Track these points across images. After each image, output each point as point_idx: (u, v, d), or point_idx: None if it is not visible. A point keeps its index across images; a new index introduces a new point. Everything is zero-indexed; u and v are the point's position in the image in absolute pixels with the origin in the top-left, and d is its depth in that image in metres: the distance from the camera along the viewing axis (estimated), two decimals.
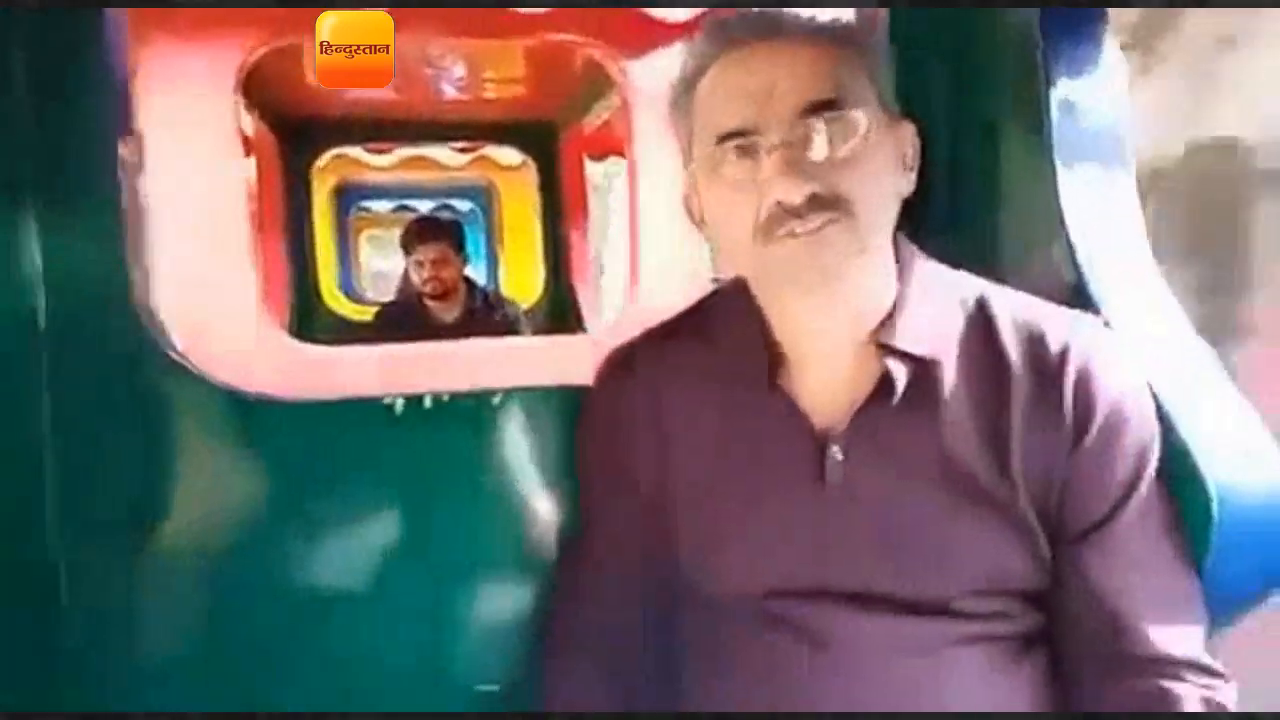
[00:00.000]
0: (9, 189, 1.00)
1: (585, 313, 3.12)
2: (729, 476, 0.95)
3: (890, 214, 0.89)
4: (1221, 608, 0.90)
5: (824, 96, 0.84)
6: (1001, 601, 0.88)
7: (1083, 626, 0.88)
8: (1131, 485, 0.87)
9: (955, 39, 1.16)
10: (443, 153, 4.04)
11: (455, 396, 1.12)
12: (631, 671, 1.02)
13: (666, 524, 0.98)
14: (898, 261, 0.93)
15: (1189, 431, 0.90)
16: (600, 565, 1.04)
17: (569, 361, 1.17)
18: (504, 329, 3.07)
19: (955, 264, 0.96)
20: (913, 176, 0.91)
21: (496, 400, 1.13)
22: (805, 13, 0.88)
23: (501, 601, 1.14)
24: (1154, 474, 0.88)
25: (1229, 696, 0.85)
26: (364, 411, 1.12)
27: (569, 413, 1.10)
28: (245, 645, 1.08)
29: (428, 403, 1.11)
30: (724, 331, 0.98)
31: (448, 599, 1.14)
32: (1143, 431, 0.88)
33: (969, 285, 0.94)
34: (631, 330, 1.09)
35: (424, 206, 6.26)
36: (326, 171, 4.06)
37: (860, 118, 0.84)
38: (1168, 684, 0.84)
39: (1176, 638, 0.86)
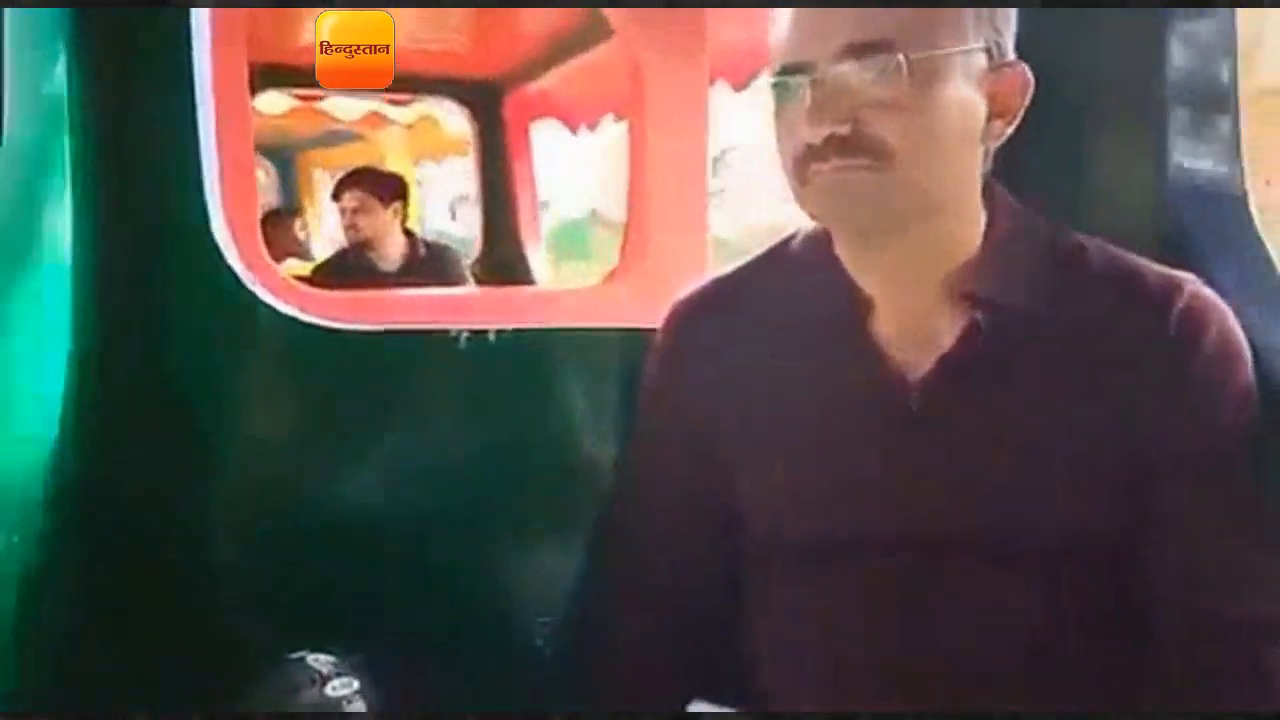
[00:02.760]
0: (80, 112, 0.98)
1: (535, 268, 3.13)
2: (805, 422, 0.94)
3: (960, 164, 0.87)
4: None
5: (872, 37, 0.81)
6: (1078, 560, 0.87)
7: (1169, 581, 0.86)
8: (1231, 438, 0.86)
9: None
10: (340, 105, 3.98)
11: (520, 331, 1.14)
12: (687, 617, 1.04)
13: (728, 473, 0.98)
14: (988, 208, 0.91)
15: None
16: (654, 510, 1.05)
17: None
18: (447, 279, 3.05)
19: (1050, 215, 0.95)
20: (1008, 126, 0.88)
21: (557, 338, 1.16)
22: None
23: (557, 537, 1.17)
24: (1251, 433, 0.86)
25: None
26: (427, 343, 1.13)
27: (632, 354, 1.13)
28: (304, 574, 1.09)
29: (492, 337, 1.13)
30: (804, 275, 0.97)
31: (503, 533, 1.16)
32: (1243, 387, 0.86)
33: (1064, 236, 0.93)
34: (631, 282, 1.11)
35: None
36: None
37: (918, 61, 0.81)
38: (1263, 648, 0.84)
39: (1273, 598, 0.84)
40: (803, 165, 0.85)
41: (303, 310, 1.07)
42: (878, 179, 0.83)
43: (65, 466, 0.97)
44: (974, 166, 0.89)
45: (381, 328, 1.12)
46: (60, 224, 0.98)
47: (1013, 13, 0.88)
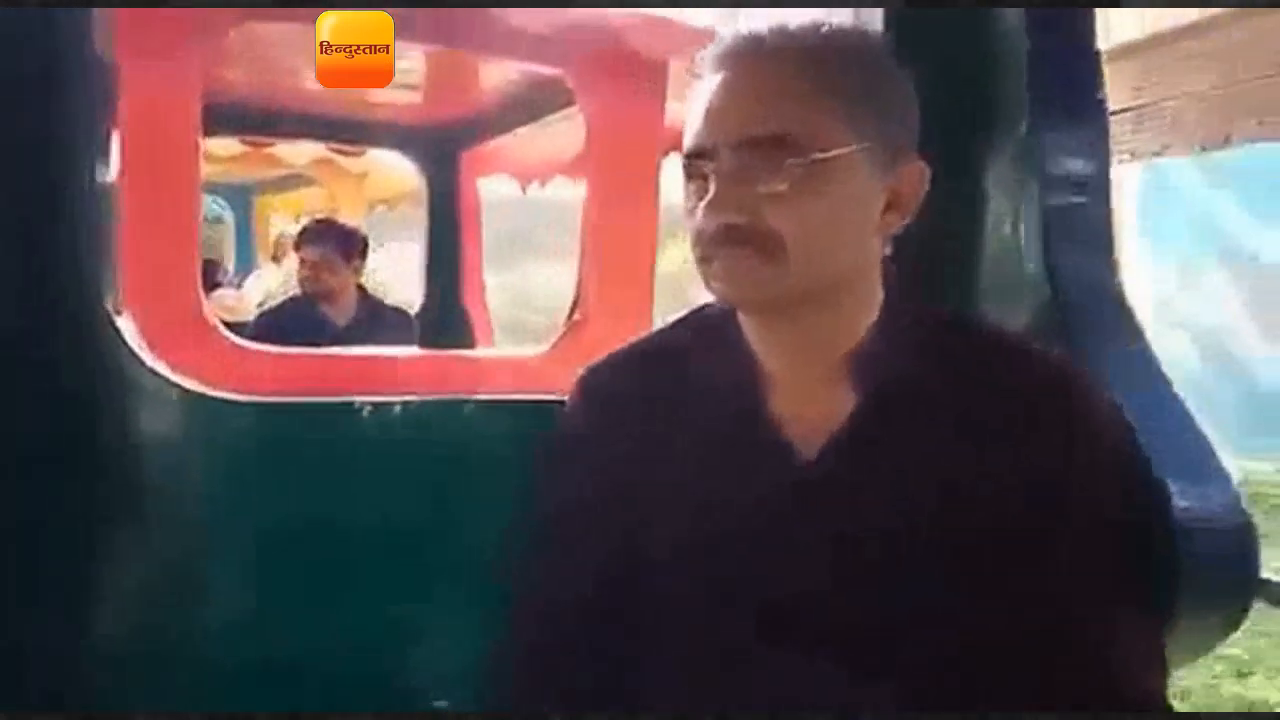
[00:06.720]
0: None
1: (477, 330, 3.10)
2: (703, 494, 0.94)
3: (854, 254, 0.89)
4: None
5: (768, 131, 0.83)
6: (975, 626, 0.87)
7: (1047, 656, 0.88)
8: (1107, 512, 0.90)
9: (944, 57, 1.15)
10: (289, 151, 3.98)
11: (424, 403, 1.11)
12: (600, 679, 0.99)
13: (633, 536, 0.97)
14: (885, 289, 0.94)
15: (1158, 464, 0.97)
16: (559, 581, 1.01)
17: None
18: (394, 337, 3.02)
19: (934, 292, 0.98)
20: (904, 219, 0.91)
21: (467, 409, 1.13)
22: (783, 44, 0.87)
23: (461, 612, 1.12)
24: (1127, 509, 0.91)
25: None
26: (332, 415, 1.09)
27: (537, 424, 1.10)
28: (204, 649, 1.05)
29: (397, 409, 1.09)
30: (709, 347, 0.98)
31: (406, 608, 1.12)
32: (1120, 460, 0.92)
33: (950, 315, 0.96)
34: (579, 350, 1.09)
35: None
36: None
37: (810, 157, 0.83)
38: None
39: (1146, 674, 0.89)
40: (697, 249, 0.88)
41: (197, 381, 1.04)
42: (769, 269, 0.85)
43: None
44: (869, 255, 0.92)
45: (293, 400, 1.09)
46: None
47: (916, 109, 0.91)
